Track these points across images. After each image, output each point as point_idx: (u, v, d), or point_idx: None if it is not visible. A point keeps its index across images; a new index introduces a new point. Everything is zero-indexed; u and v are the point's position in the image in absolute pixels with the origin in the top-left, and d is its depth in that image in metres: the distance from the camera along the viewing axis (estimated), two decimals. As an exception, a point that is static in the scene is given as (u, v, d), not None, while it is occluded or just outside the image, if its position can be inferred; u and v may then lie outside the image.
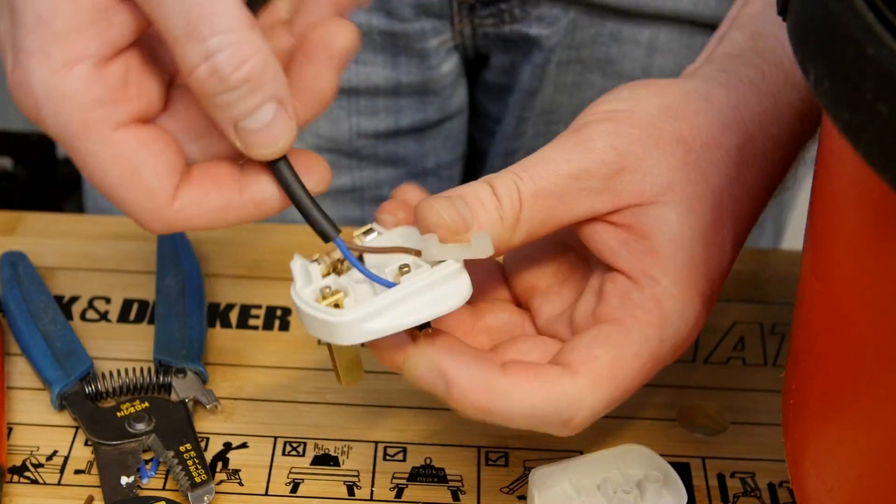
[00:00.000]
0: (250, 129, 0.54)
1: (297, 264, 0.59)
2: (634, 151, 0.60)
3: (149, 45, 0.57)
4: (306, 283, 0.58)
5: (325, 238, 0.57)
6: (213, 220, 0.57)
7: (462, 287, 0.57)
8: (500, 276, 0.66)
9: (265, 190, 0.57)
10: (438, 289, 0.57)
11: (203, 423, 0.70)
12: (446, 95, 0.94)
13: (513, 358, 0.60)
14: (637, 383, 0.60)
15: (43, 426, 0.70)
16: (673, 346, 0.60)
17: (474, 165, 1.02)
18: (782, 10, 0.53)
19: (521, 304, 0.66)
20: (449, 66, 0.92)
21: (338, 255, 0.58)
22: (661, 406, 0.72)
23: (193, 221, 0.57)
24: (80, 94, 0.54)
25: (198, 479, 0.65)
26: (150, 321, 0.76)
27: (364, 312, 0.56)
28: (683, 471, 0.68)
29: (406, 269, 0.57)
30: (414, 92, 0.92)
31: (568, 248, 0.65)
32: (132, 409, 0.69)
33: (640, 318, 0.59)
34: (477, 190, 0.59)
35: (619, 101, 0.62)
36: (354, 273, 0.58)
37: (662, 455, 0.67)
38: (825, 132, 0.53)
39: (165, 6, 0.52)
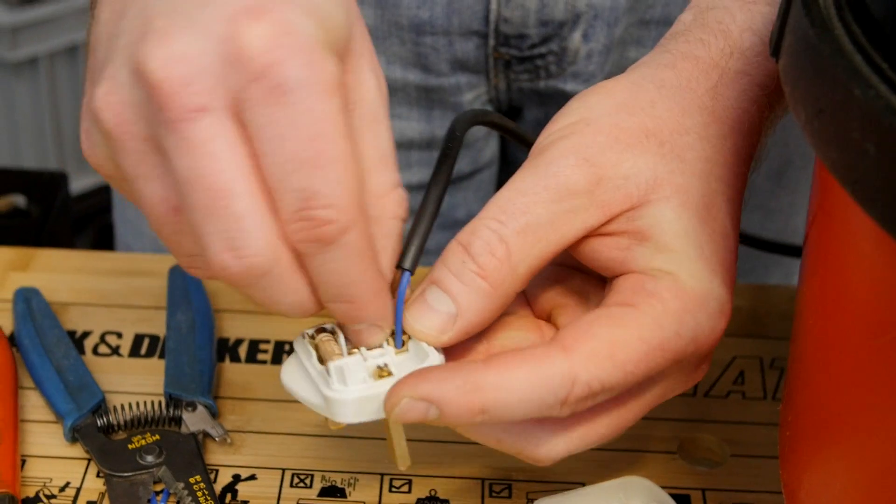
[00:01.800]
0: None
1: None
2: (608, 157, 0.58)
3: None
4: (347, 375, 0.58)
5: (402, 266, 0.58)
6: None
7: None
8: (521, 298, 0.64)
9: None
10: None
11: (212, 456, 0.71)
12: (478, 148, 0.94)
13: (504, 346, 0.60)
14: (642, 369, 0.56)
15: (56, 458, 0.71)
16: (692, 339, 0.57)
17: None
18: (775, 52, 0.55)
19: (544, 320, 0.64)
20: None
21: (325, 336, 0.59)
22: (662, 438, 0.73)
23: None
24: None
25: (207, 510, 0.67)
26: (161, 356, 0.77)
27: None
28: (684, 502, 0.69)
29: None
30: None
31: (582, 269, 0.63)
32: (143, 442, 0.70)
33: (655, 305, 0.57)
34: (455, 267, 0.58)
35: (571, 115, 0.61)
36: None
37: (663, 487, 0.68)
38: (818, 170, 0.55)
39: None
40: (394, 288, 0.59)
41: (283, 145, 0.52)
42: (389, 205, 0.58)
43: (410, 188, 0.92)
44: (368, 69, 0.58)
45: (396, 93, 0.89)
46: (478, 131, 0.93)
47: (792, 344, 0.60)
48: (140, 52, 0.53)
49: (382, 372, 0.58)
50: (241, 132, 0.53)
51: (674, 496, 0.67)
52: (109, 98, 0.54)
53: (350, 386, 0.57)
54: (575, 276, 0.64)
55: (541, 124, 0.94)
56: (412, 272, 0.59)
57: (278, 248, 0.54)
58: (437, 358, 0.58)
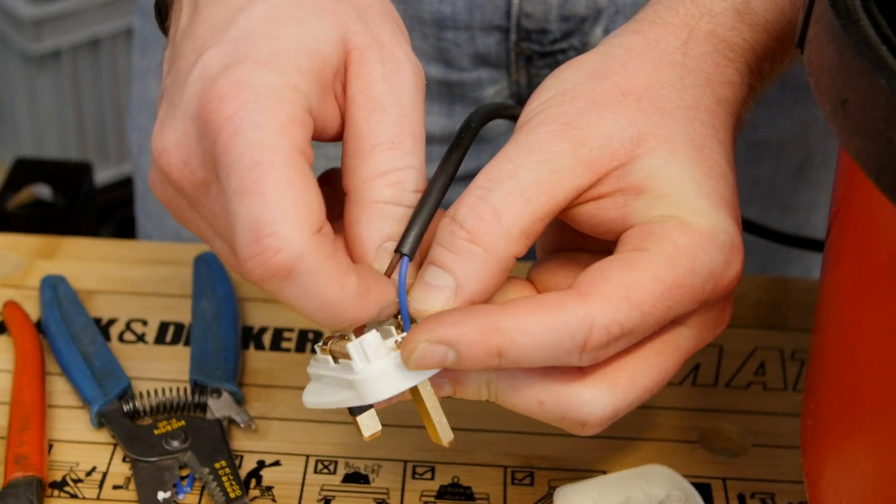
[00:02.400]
0: None
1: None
2: (588, 120, 0.59)
3: None
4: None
5: (400, 251, 0.58)
6: None
7: None
8: (530, 288, 0.64)
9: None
10: None
11: (237, 442, 0.72)
12: (499, 143, 0.95)
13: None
14: (661, 309, 0.56)
15: (82, 443, 0.72)
16: (709, 275, 0.57)
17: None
18: (800, 42, 0.55)
19: None
20: None
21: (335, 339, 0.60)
22: (683, 428, 0.73)
23: None
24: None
25: (232, 495, 0.67)
26: (186, 343, 0.78)
27: None
28: (704, 491, 0.69)
29: None
30: None
31: (589, 251, 0.63)
32: (169, 427, 0.71)
33: (666, 246, 0.57)
34: (445, 240, 0.58)
35: (547, 91, 0.61)
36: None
37: (684, 476, 0.68)
38: (842, 160, 0.55)
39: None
40: (390, 272, 0.59)
41: (230, 179, 0.54)
42: (373, 190, 0.58)
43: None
44: (379, 59, 0.59)
45: None
46: (500, 126, 0.94)
47: (814, 334, 0.61)
48: (152, 143, 0.59)
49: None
50: None
51: (694, 485, 0.68)
52: (154, 187, 0.61)
53: (374, 362, 0.57)
54: (583, 260, 0.63)
55: None
56: (411, 257, 0.58)
57: None
58: None
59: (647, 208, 0.58)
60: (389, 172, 0.59)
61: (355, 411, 0.60)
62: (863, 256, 0.53)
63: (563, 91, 0.61)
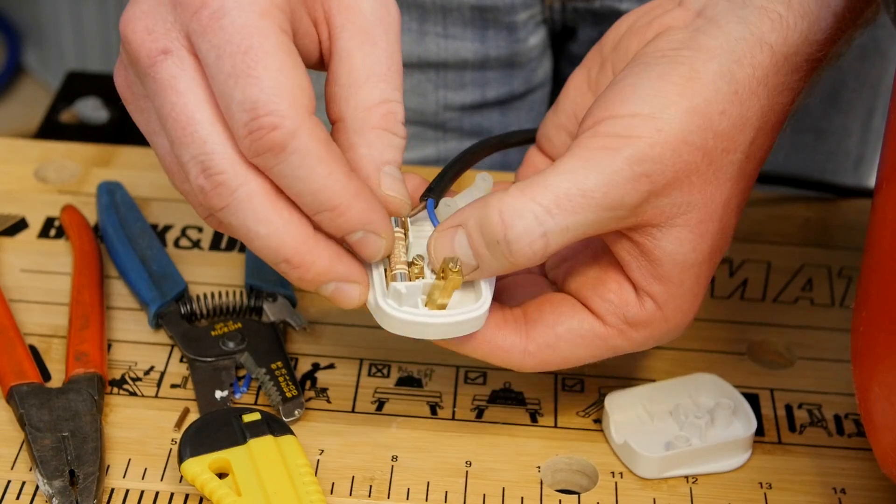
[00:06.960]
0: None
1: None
2: (666, 176, 0.60)
3: None
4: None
5: (426, 196, 0.64)
6: None
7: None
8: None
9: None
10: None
11: (292, 345, 0.73)
12: (532, 68, 0.95)
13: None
14: (580, 364, 0.65)
15: (140, 343, 0.73)
16: (648, 347, 0.65)
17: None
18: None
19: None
20: (536, 39, 0.93)
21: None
22: (730, 340, 0.74)
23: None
24: None
25: (289, 395, 0.68)
26: (241, 249, 0.79)
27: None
28: (752, 401, 0.70)
29: None
30: (501, 65, 0.93)
31: None
32: (225, 329, 0.72)
33: (625, 333, 0.63)
34: (488, 237, 0.60)
35: (643, 102, 0.60)
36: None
37: (732, 385, 0.69)
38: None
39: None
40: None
41: (222, 62, 0.58)
42: (372, 117, 0.61)
43: (463, 108, 0.94)
44: None
45: (451, 13, 0.89)
46: (532, 50, 0.93)
47: (867, 246, 0.61)
48: (122, 14, 0.61)
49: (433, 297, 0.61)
50: (200, 68, 0.59)
51: (743, 395, 0.69)
52: (117, 75, 0.63)
53: (401, 307, 0.61)
54: None
55: (594, 44, 0.94)
56: (436, 203, 0.63)
57: (245, 170, 0.59)
58: (485, 303, 0.62)
59: (646, 279, 0.62)
60: (384, 103, 0.61)
61: None
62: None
63: (655, 120, 0.60)
